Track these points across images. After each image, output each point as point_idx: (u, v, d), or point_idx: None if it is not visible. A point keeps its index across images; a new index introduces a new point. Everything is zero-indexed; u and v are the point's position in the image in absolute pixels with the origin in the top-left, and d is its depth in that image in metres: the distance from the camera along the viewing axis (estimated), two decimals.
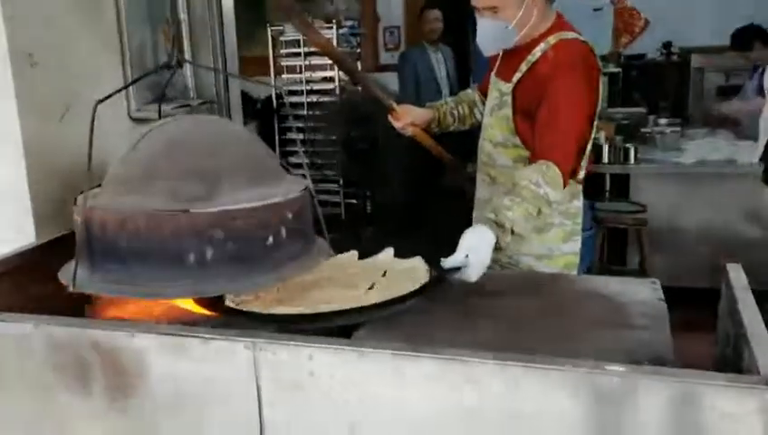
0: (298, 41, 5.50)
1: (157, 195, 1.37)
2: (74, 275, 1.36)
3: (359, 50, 5.69)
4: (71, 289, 1.36)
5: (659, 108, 4.79)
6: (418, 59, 5.10)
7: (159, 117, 1.76)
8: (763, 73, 4.32)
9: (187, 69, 2.29)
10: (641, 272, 3.33)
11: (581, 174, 1.87)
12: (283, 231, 1.41)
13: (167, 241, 1.32)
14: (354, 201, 5.26)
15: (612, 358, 1.20)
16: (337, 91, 5.45)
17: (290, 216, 1.42)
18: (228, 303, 1.44)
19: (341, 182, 5.24)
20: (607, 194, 3.77)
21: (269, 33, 5.60)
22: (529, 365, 1.01)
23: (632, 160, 3.57)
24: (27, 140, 1.74)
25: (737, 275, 1.32)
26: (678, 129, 4.05)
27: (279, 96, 5.60)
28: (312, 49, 5.54)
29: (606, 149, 3.59)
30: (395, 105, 2.07)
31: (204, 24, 2.34)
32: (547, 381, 1.01)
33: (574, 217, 1.91)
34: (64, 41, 1.87)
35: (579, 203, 1.93)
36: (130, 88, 2.07)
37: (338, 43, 5.38)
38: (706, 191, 3.56)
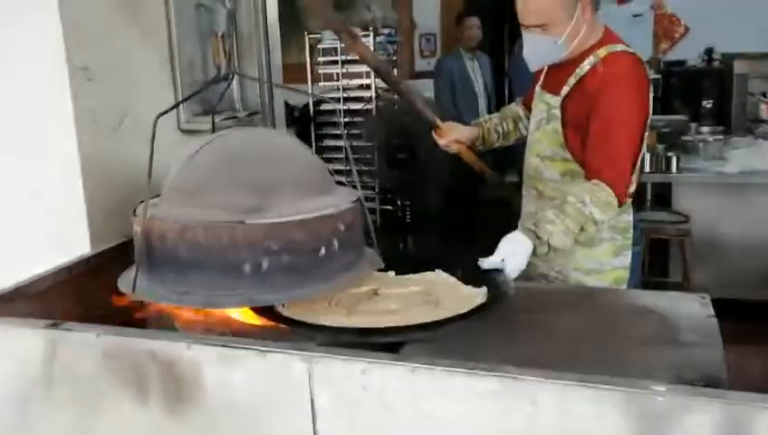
0: (335, 48, 5.54)
1: (214, 206, 1.42)
2: (134, 283, 1.41)
3: (395, 57, 5.71)
4: (131, 297, 1.41)
5: (701, 115, 4.72)
6: (455, 66, 5.12)
7: (213, 129, 1.80)
8: None
9: (234, 81, 2.34)
10: (684, 284, 3.28)
11: (632, 188, 1.85)
12: (336, 242, 1.45)
13: (224, 252, 1.37)
14: (390, 207, 5.28)
15: (663, 377, 1.20)
16: (373, 99, 5.48)
17: (342, 227, 1.46)
18: (283, 312, 1.47)
19: (377, 189, 5.27)
20: (648, 204, 3.73)
21: (306, 40, 5.65)
22: (583, 384, 1.02)
23: (674, 169, 3.52)
24: (83, 152, 1.81)
25: None
26: (721, 137, 3.99)
27: (316, 104, 5.65)
28: (350, 57, 5.60)
29: (647, 157, 3.55)
30: (439, 122, 2.07)
31: (249, 36, 2.38)
32: (600, 399, 1.01)
33: (624, 231, 1.90)
34: (119, 55, 1.93)
35: (629, 217, 1.91)
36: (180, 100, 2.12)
37: (375, 50, 5.41)
38: (752, 201, 3.50)
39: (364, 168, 5.25)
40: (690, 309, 1.54)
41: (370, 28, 5.42)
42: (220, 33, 2.22)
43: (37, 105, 1.78)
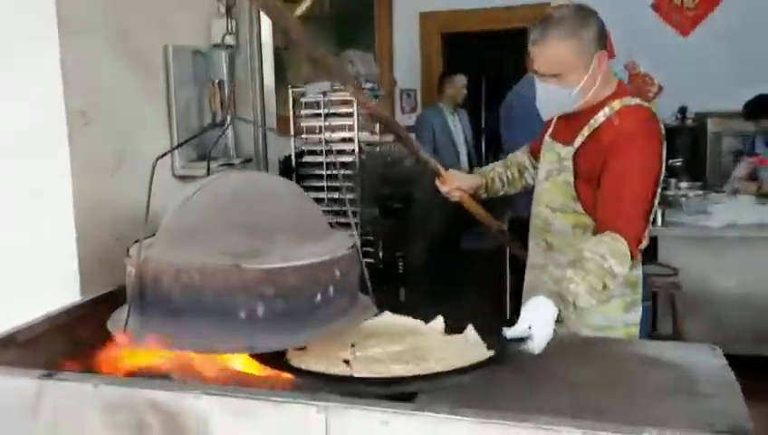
0: (318, 102, 5.59)
1: (209, 249, 1.38)
2: (126, 323, 1.36)
3: None
4: (120, 337, 1.36)
5: (677, 172, 4.81)
6: (436, 120, 5.19)
7: (208, 174, 1.77)
8: None
9: (230, 129, 2.31)
10: (676, 338, 3.27)
11: (644, 243, 1.81)
12: (332, 289, 1.42)
13: (219, 296, 1.33)
14: (372, 260, 5.25)
15: (691, 426, 1.17)
16: (356, 152, 5.51)
17: (338, 273, 1.44)
18: (292, 361, 1.41)
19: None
20: None
21: (290, 93, 5.69)
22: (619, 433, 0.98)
23: (660, 223, 3.56)
24: (77, 196, 1.75)
25: None
26: (701, 192, 4.06)
27: (298, 155, 5.65)
28: (332, 111, 5.64)
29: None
30: (442, 170, 2.07)
31: (245, 84, 2.37)
32: None
33: (635, 286, 1.86)
34: (116, 100, 1.90)
35: (639, 272, 1.88)
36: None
37: (358, 104, 5.46)
38: (738, 254, 3.54)
39: (343, 220, 5.23)
40: (703, 360, 1.51)
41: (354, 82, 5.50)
42: (217, 81, 2.20)
43: (34, 147, 1.73)
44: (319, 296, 1.40)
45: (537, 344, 1.41)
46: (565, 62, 1.72)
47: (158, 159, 1.48)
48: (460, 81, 5.17)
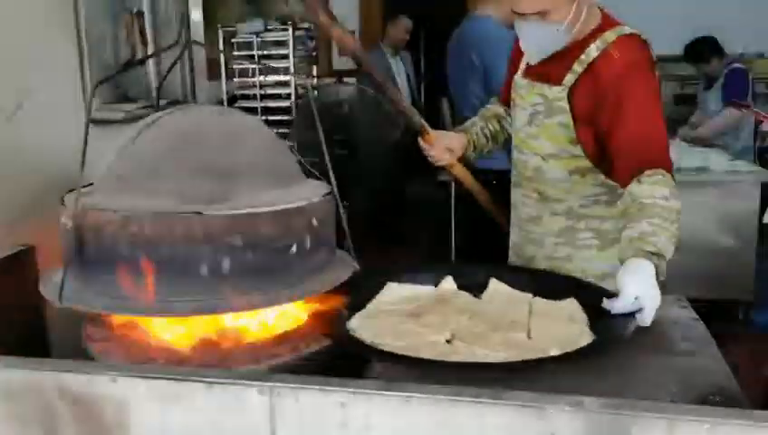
0: (250, 43, 5.27)
1: (164, 195, 1.19)
2: (61, 289, 1.17)
3: (314, 53, 5.50)
4: (57, 305, 1.18)
5: None
6: (378, 63, 4.97)
7: (158, 108, 1.54)
8: (725, 85, 4.36)
9: (151, 67, 2.06)
10: None
11: None
12: (308, 239, 1.26)
13: (176, 248, 1.15)
14: None
15: (675, 390, 1.07)
16: (292, 97, 5.25)
17: (315, 222, 1.27)
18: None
19: None
20: None
21: (220, 33, 5.34)
22: (608, 412, 0.85)
23: None
24: None
25: None
26: None
27: (233, 99, 5.35)
28: (265, 52, 5.34)
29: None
30: (427, 127, 1.84)
31: (168, 17, 2.11)
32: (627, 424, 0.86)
33: None
34: (12, 32, 1.63)
35: None
36: (88, 88, 1.83)
37: (294, 45, 5.18)
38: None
39: None
40: (674, 313, 1.43)
41: (288, 22, 5.19)
42: (134, 10, 1.94)
43: None
44: (294, 248, 1.24)
45: (648, 315, 1.26)
46: None
47: (97, 85, 1.31)
48: (405, 24, 4.97)
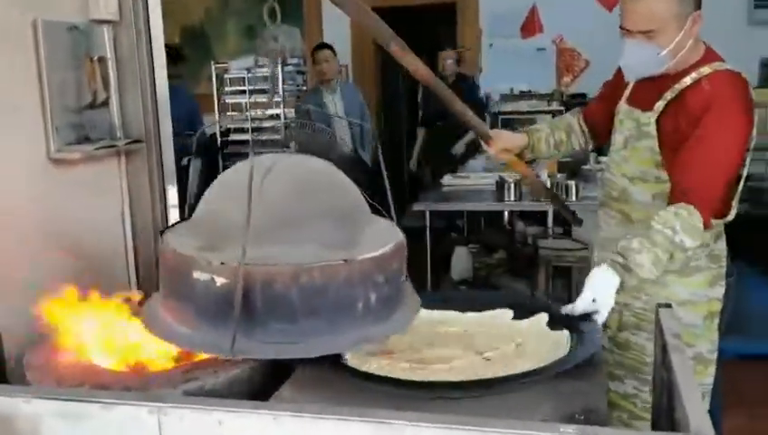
0: (243, 78, 5.45)
1: (305, 243, 1.29)
2: (233, 343, 1.22)
3: (305, 87, 5.66)
4: (229, 357, 1.25)
5: (600, 147, 4.87)
6: (311, 102, 4.94)
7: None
8: None
9: (114, 107, 2.20)
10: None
11: (732, 214, 1.76)
12: (405, 270, 1.47)
13: (340, 291, 1.28)
14: None
15: (548, 412, 1.15)
16: (283, 129, 5.40)
17: (405, 255, 1.45)
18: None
19: None
20: (550, 231, 3.78)
21: (213, 69, 5.53)
22: (476, 429, 0.95)
23: (574, 197, 3.58)
24: None
25: (669, 320, 1.29)
26: None
27: (224, 133, 5.51)
28: (258, 87, 5.51)
29: (548, 186, 3.59)
30: (489, 132, 1.98)
31: (132, 61, 2.25)
32: None
33: (719, 259, 1.80)
34: None
35: (723, 245, 1.82)
36: (50, 128, 1.97)
37: (284, 80, 5.34)
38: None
39: None
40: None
41: (278, 58, 5.36)
42: (96, 57, 2.08)
43: None
44: (402, 277, 1.44)
45: (601, 317, 1.47)
46: (660, 19, 1.61)
47: None
48: (321, 56, 4.85)
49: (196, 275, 1.27)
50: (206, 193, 1.45)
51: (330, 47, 4.95)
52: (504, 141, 1.98)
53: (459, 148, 5.24)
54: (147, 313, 1.43)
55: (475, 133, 2.02)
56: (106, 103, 2.17)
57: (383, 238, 1.39)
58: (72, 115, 2.04)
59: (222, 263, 1.25)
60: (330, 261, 1.26)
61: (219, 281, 1.24)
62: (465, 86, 5.22)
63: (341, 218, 1.36)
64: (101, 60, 2.11)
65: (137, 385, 1.32)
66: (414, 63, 1.78)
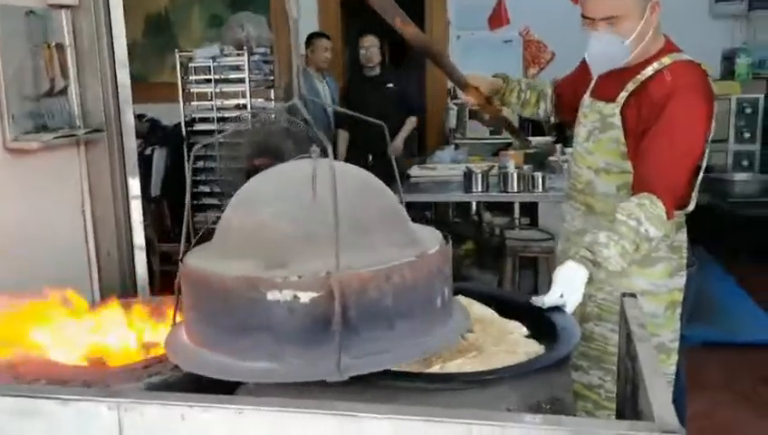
0: (208, 67, 5.35)
1: (377, 246, 1.21)
2: (339, 362, 1.09)
3: (272, 77, 5.59)
4: (337, 379, 1.10)
5: (567, 138, 4.92)
6: (307, 89, 5.02)
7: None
8: None
9: (73, 95, 2.14)
10: None
11: (691, 206, 1.78)
12: None
13: (427, 287, 1.23)
14: None
15: (515, 402, 1.15)
16: (249, 119, 5.32)
17: None
18: None
19: None
20: (517, 222, 3.80)
21: (177, 58, 5.43)
22: (441, 420, 0.94)
23: (540, 189, 3.60)
24: None
25: (633, 310, 1.30)
26: None
27: (190, 123, 5.42)
28: (223, 76, 5.42)
29: (515, 177, 3.62)
30: (466, 78, 1.97)
31: (92, 48, 2.19)
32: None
33: (680, 250, 1.81)
34: None
35: (684, 236, 1.83)
36: (6, 117, 1.91)
37: (250, 70, 5.26)
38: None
39: (233, 191, 5.05)
40: None
41: (244, 47, 5.28)
42: (54, 43, 2.02)
43: None
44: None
45: (569, 310, 1.48)
46: (621, 5, 1.63)
47: None
48: (324, 44, 5.02)
49: (272, 296, 1.11)
50: (230, 210, 1.30)
51: (328, 36, 5.13)
52: (475, 81, 1.99)
53: (397, 148, 4.74)
54: (196, 362, 1.21)
55: (454, 82, 2.03)
56: (65, 91, 2.11)
57: (429, 234, 1.36)
58: (29, 103, 1.99)
59: (300, 277, 1.11)
60: (413, 258, 1.20)
61: (305, 297, 1.11)
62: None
63: (395, 219, 1.31)
64: (60, 46, 2.05)
65: (97, 380, 1.29)
66: (413, 32, 1.79)
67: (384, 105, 4.56)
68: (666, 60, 1.70)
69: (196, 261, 1.26)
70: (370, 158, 4.41)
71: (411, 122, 4.91)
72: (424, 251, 1.23)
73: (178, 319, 1.34)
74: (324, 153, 1.14)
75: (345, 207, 1.11)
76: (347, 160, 5.34)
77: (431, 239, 1.32)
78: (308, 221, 1.18)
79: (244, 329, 1.14)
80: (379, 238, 1.22)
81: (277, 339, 1.13)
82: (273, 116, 4.66)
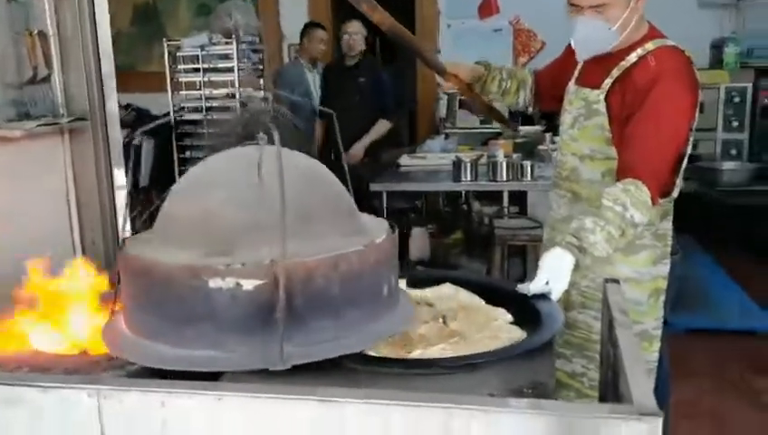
0: (197, 57, 5.32)
1: (322, 235, 1.20)
2: (281, 352, 1.07)
3: (261, 66, 5.56)
4: (279, 368, 1.08)
5: (556, 127, 4.92)
6: (295, 77, 5.01)
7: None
8: None
9: (57, 83, 2.12)
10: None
11: (675, 193, 1.78)
12: None
13: (373, 276, 1.23)
14: None
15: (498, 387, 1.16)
16: (238, 108, 5.30)
17: None
18: None
19: None
20: (505, 211, 3.81)
21: (165, 47, 5.38)
22: (429, 405, 0.94)
23: (529, 177, 3.61)
24: None
25: (616, 296, 1.31)
26: None
27: (178, 113, 5.38)
28: (212, 65, 5.38)
29: (504, 166, 3.62)
30: (445, 65, 1.97)
31: (75, 36, 2.17)
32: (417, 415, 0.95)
33: (664, 238, 1.82)
34: None
35: (669, 224, 1.83)
36: None
37: (238, 58, 5.23)
38: None
39: None
40: None
41: (233, 36, 5.25)
42: (36, 31, 2.00)
43: None
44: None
45: (554, 297, 1.48)
46: None
47: None
48: (320, 35, 4.96)
49: (215, 284, 1.09)
50: (172, 197, 1.28)
51: (324, 27, 5.08)
52: (454, 68, 1.98)
53: (356, 154, 4.46)
54: (135, 352, 1.19)
55: (433, 69, 2.02)
56: (48, 79, 2.09)
57: (377, 223, 1.36)
58: (11, 91, 1.98)
59: (243, 264, 1.09)
60: (360, 246, 1.19)
61: (249, 284, 1.09)
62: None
63: (341, 209, 1.30)
64: (42, 34, 2.03)
65: (78, 368, 1.28)
66: (382, 17, 1.81)
67: (351, 99, 4.47)
68: (649, 45, 1.70)
69: (136, 248, 1.24)
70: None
71: (381, 125, 4.55)
72: (371, 240, 1.23)
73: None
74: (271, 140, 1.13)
75: (292, 196, 1.09)
76: (320, 150, 5.23)
77: (378, 228, 1.32)
78: (253, 209, 1.16)
79: (186, 318, 1.12)
80: (325, 227, 1.22)
81: (220, 327, 1.11)
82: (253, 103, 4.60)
